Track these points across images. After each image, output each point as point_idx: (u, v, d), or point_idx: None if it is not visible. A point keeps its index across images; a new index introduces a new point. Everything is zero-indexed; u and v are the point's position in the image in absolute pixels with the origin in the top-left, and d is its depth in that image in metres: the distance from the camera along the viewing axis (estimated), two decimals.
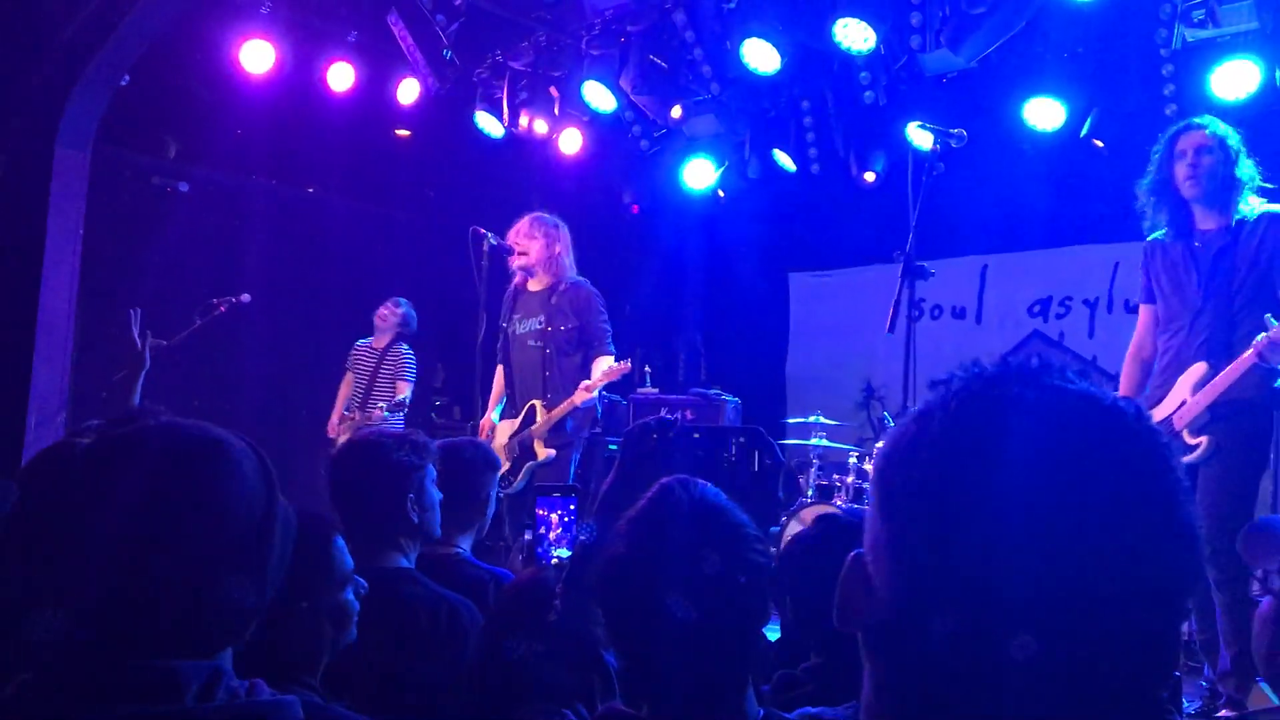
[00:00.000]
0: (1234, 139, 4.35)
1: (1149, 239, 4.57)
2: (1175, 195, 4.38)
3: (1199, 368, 4.25)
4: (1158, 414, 4.31)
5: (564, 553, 3.18)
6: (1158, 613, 0.85)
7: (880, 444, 0.98)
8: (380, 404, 7.39)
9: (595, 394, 5.87)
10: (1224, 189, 4.30)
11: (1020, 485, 0.84)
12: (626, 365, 5.91)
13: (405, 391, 7.56)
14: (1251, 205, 4.32)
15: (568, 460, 6.01)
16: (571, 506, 3.27)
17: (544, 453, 5.85)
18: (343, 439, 7.21)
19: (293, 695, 1.40)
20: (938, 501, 0.87)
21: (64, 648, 1.37)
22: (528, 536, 3.72)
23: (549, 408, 5.91)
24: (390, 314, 7.78)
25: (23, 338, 5.84)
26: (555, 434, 5.95)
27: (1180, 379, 4.29)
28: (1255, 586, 4.17)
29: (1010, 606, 0.83)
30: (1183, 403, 4.24)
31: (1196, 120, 4.43)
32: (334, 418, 7.65)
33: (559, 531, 3.24)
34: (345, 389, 7.77)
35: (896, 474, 0.91)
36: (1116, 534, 0.83)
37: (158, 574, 1.33)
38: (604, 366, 5.88)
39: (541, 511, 3.21)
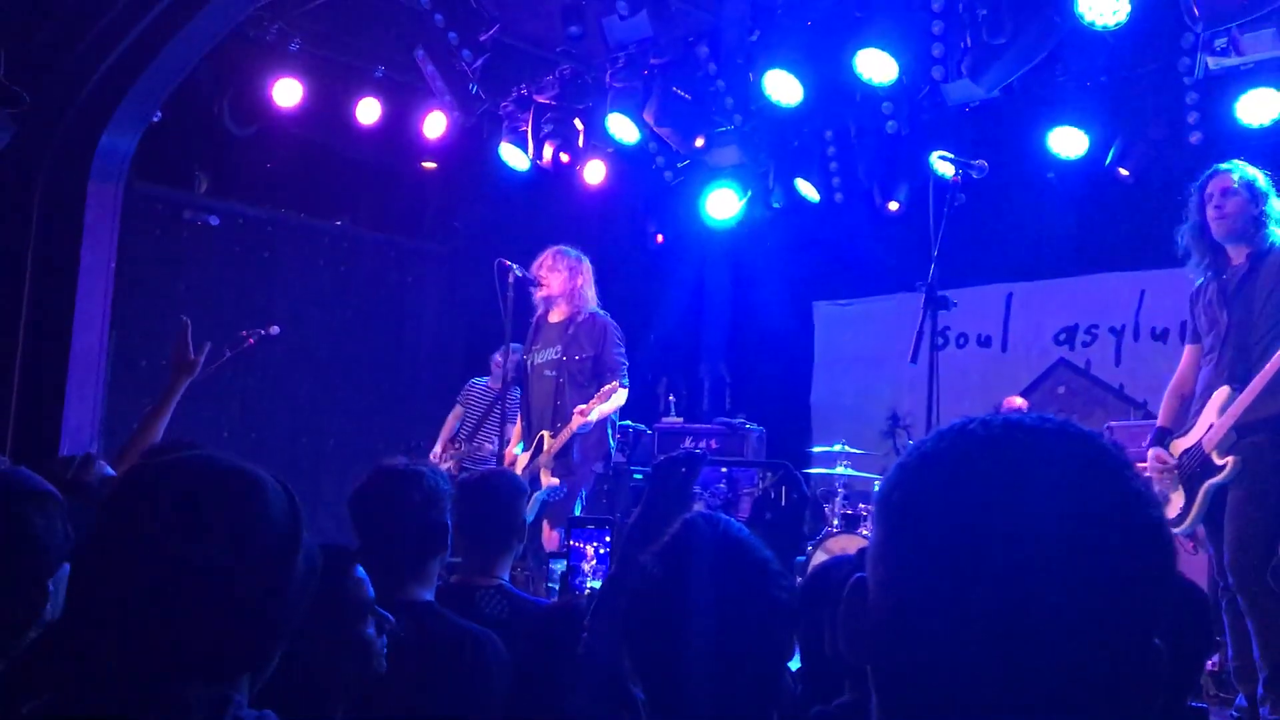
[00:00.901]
0: (1262, 180, 4.44)
1: (1196, 284, 4.66)
2: (1209, 238, 4.49)
3: (1223, 391, 4.31)
4: (1189, 439, 4.41)
5: (598, 585, 3.19)
6: (1134, 624, 0.91)
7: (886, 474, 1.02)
8: (489, 443, 7.46)
9: (592, 419, 5.84)
10: (1253, 227, 4.39)
11: (1018, 516, 0.90)
12: (623, 393, 5.92)
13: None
14: (1277, 234, 4.39)
15: (574, 492, 5.98)
16: (607, 538, 3.28)
17: (548, 481, 5.85)
18: (445, 468, 7.31)
19: None
20: (947, 527, 0.92)
21: (82, 670, 1.40)
22: (559, 567, 3.73)
23: (555, 437, 5.93)
24: (503, 359, 7.94)
25: (55, 369, 5.92)
26: (560, 464, 5.96)
27: (1207, 404, 4.36)
28: None
29: (1012, 625, 0.88)
30: (1210, 426, 4.31)
31: (1223, 165, 4.51)
32: (438, 447, 7.69)
33: (594, 563, 3.25)
34: (452, 421, 7.82)
35: (906, 502, 0.96)
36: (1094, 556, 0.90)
37: (180, 600, 1.36)
38: (601, 393, 5.88)
39: (576, 543, 3.22)
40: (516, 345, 7.89)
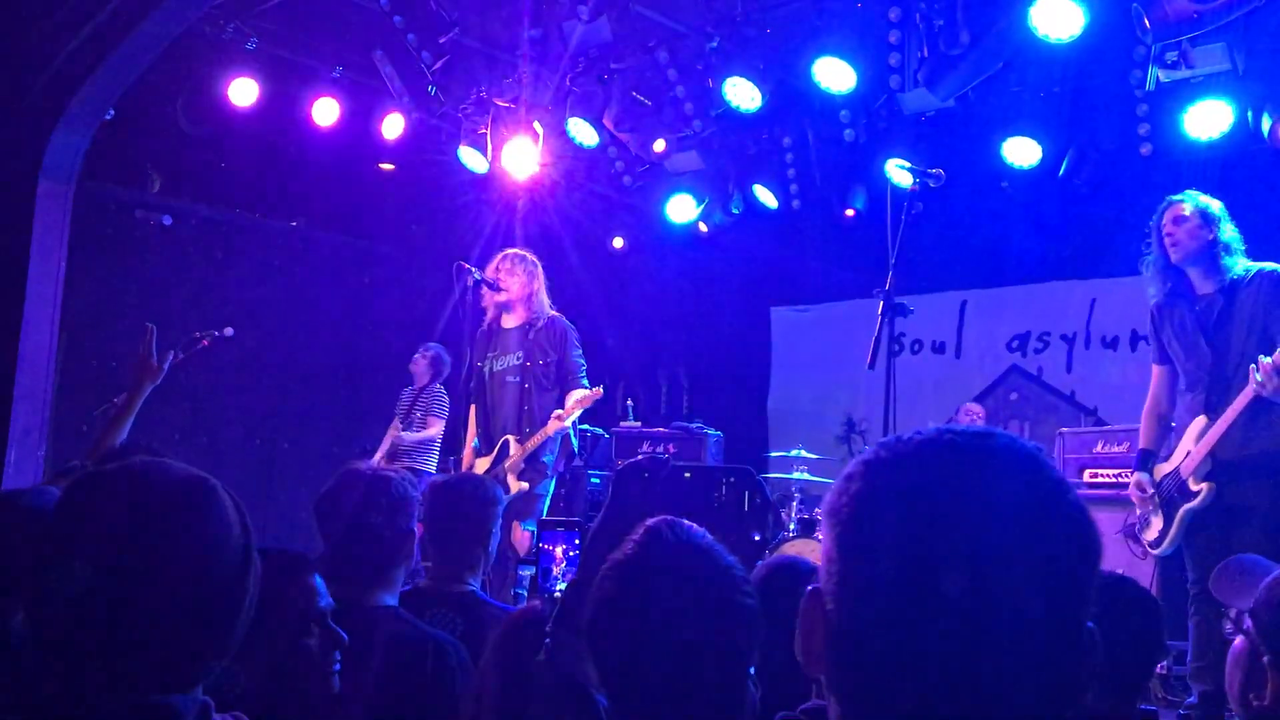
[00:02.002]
0: (1214, 207, 4.62)
1: (1152, 303, 4.82)
2: (1169, 264, 4.66)
3: (1199, 420, 4.51)
4: (1170, 465, 4.63)
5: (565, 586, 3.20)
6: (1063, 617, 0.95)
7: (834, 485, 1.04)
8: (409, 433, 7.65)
9: (569, 424, 5.90)
10: (1209, 253, 4.57)
11: (963, 525, 0.94)
12: (598, 392, 5.95)
13: (436, 428, 7.71)
14: (1243, 265, 4.57)
15: (543, 493, 6.01)
16: (576, 541, 3.28)
17: (517, 485, 5.85)
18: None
19: None
20: (893, 536, 0.95)
21: (56, 684, 1.38)
22: (530, 571, 3.72)
23: (523, 442, 5.92)
24: (419, 359, 7.94)
25: (3, 371, 5.81)
26: (532, 467, 5.95)
27: (1188, 431, 4.57)
28: (1228, 626, 4.26)
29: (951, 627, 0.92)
30: (1187, 453, 4.52)
31: (1175, 196, 4.70)
32: (379, 459, 7.73)
33: (563, 566, 3.25)
34: (392, 433, 7.87)
35: (852, 513, 0.99)
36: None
37: (141, 608, 1.34)
38: (576, 396, 5.91)
39: (546, 546, 3.22)
40: (435, 345, 7.90)
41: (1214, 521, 4.43)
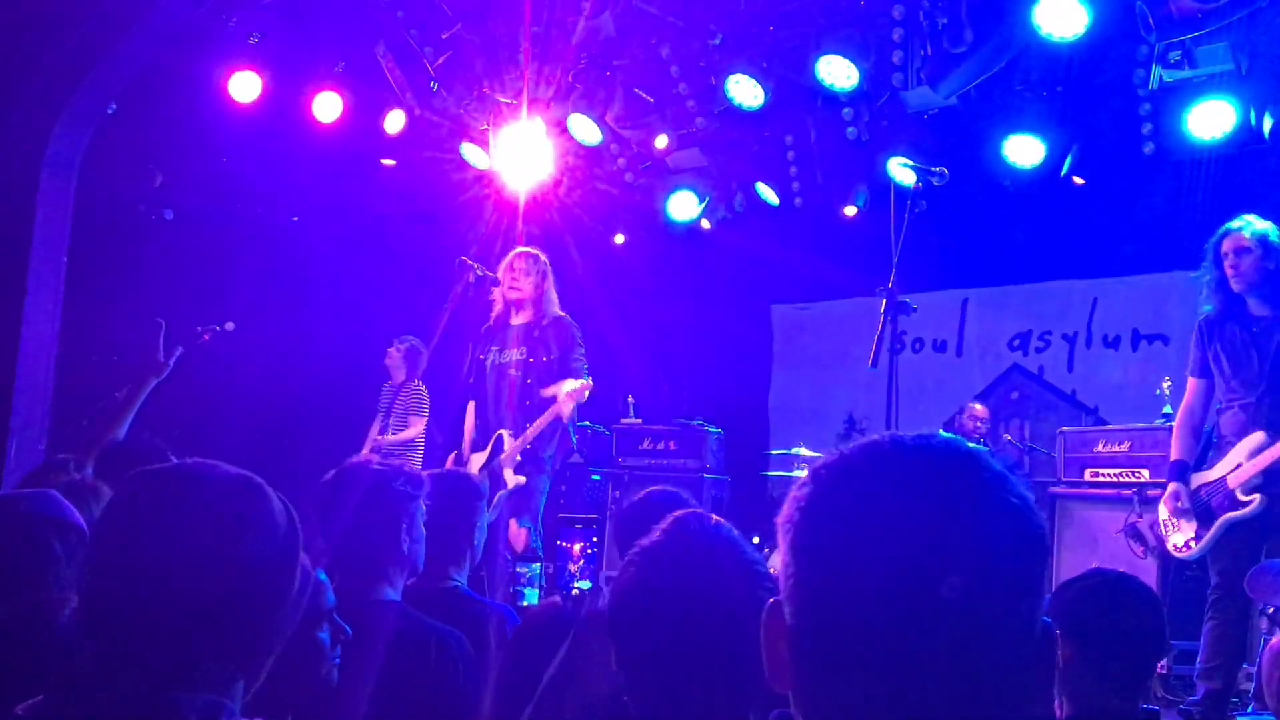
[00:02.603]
0: (1272, 234, 4.75)
1: (1200, 318, 4.96)
2: (1228, 290, 4.80)
3: (1257, 436, 4.63)
4: (1211, 474, 4.76)
5: (585, 585, 3.19)
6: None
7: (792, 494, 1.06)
8: (388, 435, 7.53)
9: (566, 412, 5.84)
10: (1271, 281, 4.73)
11: (912, 530, 0.95)
12: (589, 383, 5.94)
13: (417, 428, 7.61)
14: None
15: (540, 489, 5.99)
16: (594, 538, 3.27)
17: (512, 480, 5.85)
18: None
19: None
20: (841, 542, 0.97)
21: (81, 673, 1.38)
22: (527, 569, 3.70)
23: (516, 435, 5.91)
24: (393, 353, 7.87)
25: (5, 364, 5.82)
26: (531, 460, 5.95)
27: (1239, 445, 4.68)
28: (1264, 624, 4.42)
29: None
30: (1238, 465, 4.64)
31: (1234, 224, 4.80)
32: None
33: (580, 563, 3.25)
34: (374, 429, 7.84)
35: (803, 522, 1.01)
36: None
37: (186, 607, 1.36)
38: (567, 387, 5.86)
39: (563, 543, 3.22)
40: (411, 337, 7.83)
41: (1253, 530, 4.58)
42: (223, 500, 1.42)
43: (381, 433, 7.70)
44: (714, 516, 1.74)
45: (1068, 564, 6.23)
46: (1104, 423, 7.56)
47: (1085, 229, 7.89)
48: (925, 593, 0.91)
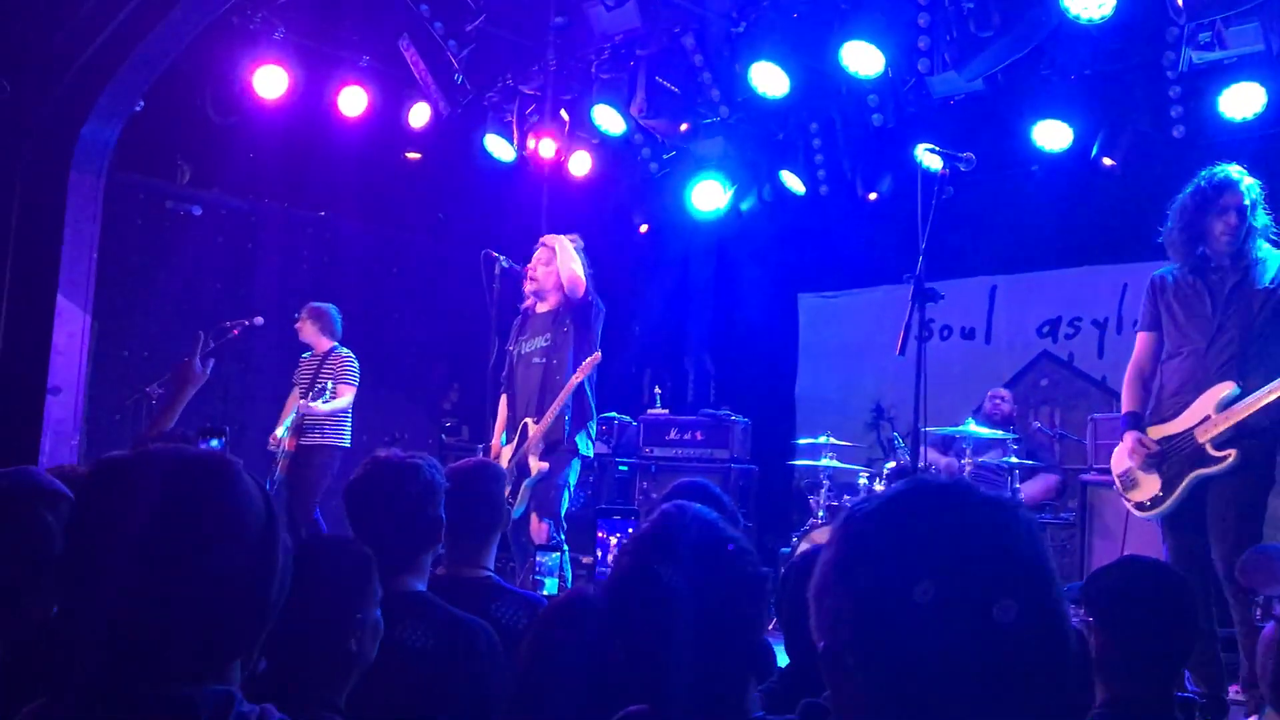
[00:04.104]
0: (1256, 189, 4.56)
1: (1156, 273, 4.77)
2: (1203, 239, 4.56)
3: (1225, 386, 4.40)
4: (1173, 428, 4.52)
5: None
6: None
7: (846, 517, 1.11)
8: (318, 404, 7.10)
9: (575, 380, 5.89)
10: (1246, 237, 4.53)
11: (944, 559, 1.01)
12: (597, 355, 5.97)
13: (347, 396, 7.28)
14: (1266, 249, 4.54)
15: (564, 484, 5.95)
16: (630, 530, 3.27)
17: (537, 467, 5.85)
18: (281, 448, 7.12)
19: None
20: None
21: (81, 671, 1.37)
22: (546, 558, 3.71)
23: (539, 422, 5.92)
24: (301, 325, 7.49)
25: (37, 361, 5.88)
26: (554, 445, 5.95)
27: (1203, 396, 4.44)
28: (1257, 612, 4.27)
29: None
30: (1206, 418, 4.41)
31: (1233, 175, 4.57)
32: (277, 429, 7.33)
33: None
34: (292, 402, 7.42)
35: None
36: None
37: (171, 592, 1.34)
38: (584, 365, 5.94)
39: (601, 534, 3.23)
40: (318, 304, 7.51)
41: (1223, 489, 4.38)
42: (198, 482, 1.40)
43: (305, 400, 7.20)
44: (695, 504, 1.91)
45: (1100, 552, 6.18)
46: None
47: (1115, 214, 7.81)
48: (980, 617, 0.96)
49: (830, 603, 1.04)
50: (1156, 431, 4.60)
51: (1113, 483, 6.17)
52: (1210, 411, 4.41)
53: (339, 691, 2.02)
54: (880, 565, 1.01)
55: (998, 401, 7.54)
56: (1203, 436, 4.40)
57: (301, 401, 7.16)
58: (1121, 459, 4.72)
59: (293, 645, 1.90)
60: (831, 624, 1.04)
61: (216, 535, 1.37)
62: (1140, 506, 4.64)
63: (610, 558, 3.21)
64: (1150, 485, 4.57)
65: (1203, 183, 4.61)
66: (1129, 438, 4.66)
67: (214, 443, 3.19)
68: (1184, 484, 4.44)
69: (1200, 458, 4.41)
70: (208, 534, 1.36)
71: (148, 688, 1.32)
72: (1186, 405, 4.51)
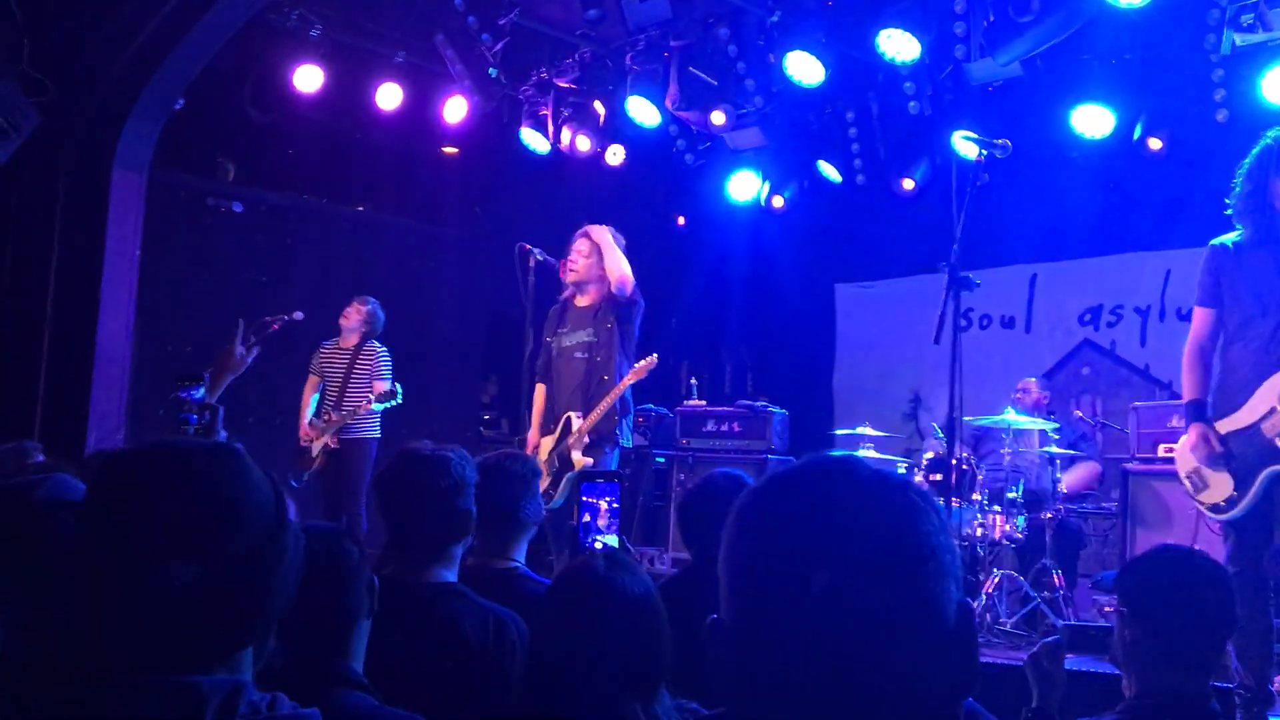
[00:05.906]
0: None
1: (1215, 241, 4.33)
2: (1268, 205, 4.16)
3: None
4: (1237, 421, 4.13)
5: (611, 539, 3.19)
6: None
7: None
8: (363, 402, 7.12)
9: (626, 383, 5.91)
10: None
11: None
12: (653, 359, 5.96)
13: (385, 388, 7.24)
14: None
15: (606, 459, 5.98)
16: (618, 492, 3.27)
17: (580, 461, 5.86)
18: (319, 444, 7.19)
19: (314, 709, 1.41)
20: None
21: (88, 661, 1.38)
22: (572, 522, 3.69)
23: (585, 417, 5.93)
24: (354, 313, 7.50)
25: (82, 356, 5.97)
26: (598, 442, 5.96)
27: (1265, 386, 4.06)
28: None
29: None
30: (1272, 410, 4.03)
31: None
32: (303, 421, 7.37)
33: (607, 519, 3.24)
34: (310, 391, 7.43)
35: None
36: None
37: (179, 582, 1.33)
38: (638, 368, 5.95)
39: (588, 498, 3.22)
40: (373, 299, 7.56)
41: None
42: (208, 470, 1.39)
43: (338, 396, 7.22)
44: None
45: (1141, 540, 6.11)
46: (1178, 398, 7.38)
47: (1156, 199, 7.70)
48: (802, 589, 0.98)
49: (723, 576, 1.06)
50: (1225, 426, 4.15)
51: (1155, 472, 5.93)
52: (1275, 403, 4.02)
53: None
54: (759, 544, 1.03)
55: (1020, 394, 7.40)
56: (1271, 431, 4.02)
57: (348, 402, 7.21)
58: (1186, 456, 4.28)
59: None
60: (721, 598, 1.06)
61: (223, 524, 1.37)
62: (1216, 509, 4.18)
63: (600, 521, 3.21)
64: (1222, 485, 4.13)
65: (1270, 141, 4.20)
66: (1194, 431, 4.21)
67: (197, 393, 3.23)
68: (1258, 482, 4.03)
69: (1272, 453, 4.01)
70: (215, 523, 1.36)
71: (156, 677, 1.32)
72: (1248, 394, 4.10)
